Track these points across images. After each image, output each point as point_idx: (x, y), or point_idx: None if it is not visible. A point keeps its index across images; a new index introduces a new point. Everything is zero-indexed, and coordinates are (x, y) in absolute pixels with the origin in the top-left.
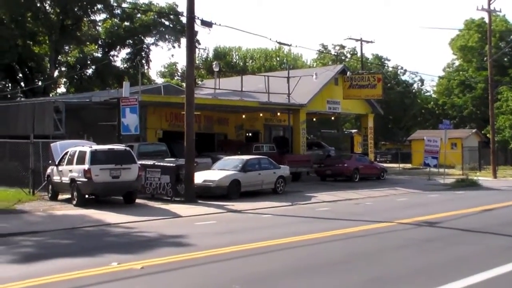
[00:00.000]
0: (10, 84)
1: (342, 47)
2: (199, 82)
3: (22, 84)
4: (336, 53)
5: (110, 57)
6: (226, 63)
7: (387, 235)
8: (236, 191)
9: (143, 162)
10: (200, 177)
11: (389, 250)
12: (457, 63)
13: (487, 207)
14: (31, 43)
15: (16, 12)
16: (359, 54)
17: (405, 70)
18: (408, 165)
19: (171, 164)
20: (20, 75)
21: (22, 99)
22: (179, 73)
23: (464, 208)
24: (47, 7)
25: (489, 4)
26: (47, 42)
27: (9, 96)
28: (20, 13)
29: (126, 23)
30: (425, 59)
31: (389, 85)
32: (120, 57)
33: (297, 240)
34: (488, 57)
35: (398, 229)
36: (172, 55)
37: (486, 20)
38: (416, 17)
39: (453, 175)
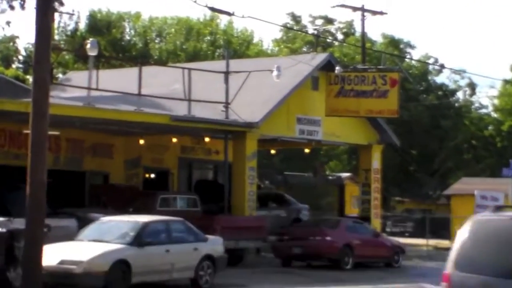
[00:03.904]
0: None
1: (328, 20)
2: (60, 76)
3: None
4: (316, 31)
5: None
6: (112, 43)
7: None
8: (122, 283)
9: None
10: (55, 254)
11: None
12: None
13: None
14: None
15: None
16: (358, 34)
17: (443, 67)
18: (445, 242)
19: None
20: None
21: None
22: (21, 57)
23: None
24: None
25: None
26: None
27: None
28: None
29: None
30: (479, 50)
31: (412, 92)
32: None
33: None
34: None
35: None
36: (8, 23)
37: None
38: None
39: None
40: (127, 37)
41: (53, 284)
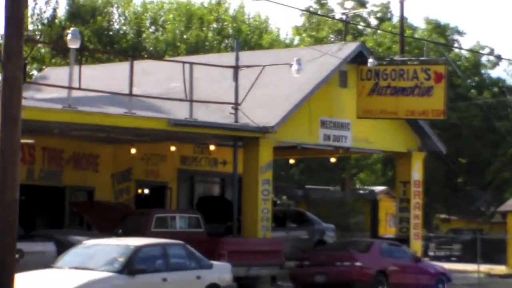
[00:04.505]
0: None
1: (360, 3)
2: (36, 73)
3: None
4: (345, 16)
5: None
6: (97, 33)
7: None
8: None
9: None
10: (28, 284)
11: None
12: None
13: None
14: None
15: None
16: (395, 20)
17: (499, 57)
18: (500, 268)
19: None
20: None
21: None
22: None
23: None
24: None
25: None
26: None
27: None
28: None
29: None
30: None
31: (461, 89)
32: None
33: None
34: None
35: None
36: None
37: None
38: None
39: None
40: (116, 26)
41: None
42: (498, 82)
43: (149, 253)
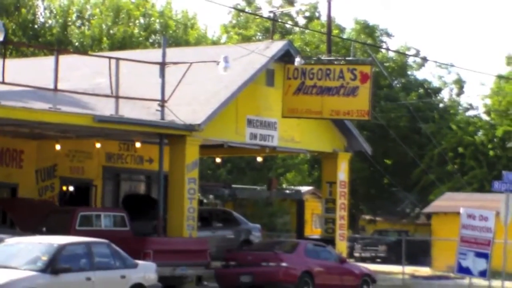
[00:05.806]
0: None
1: (289, 1)
2: None
3: None
4: (273, 14)
5: None
6: (22, 26)
7: None
8: None
9: None
10: None
11: None
12: None
13: None
14: None
15: None
16: (324, 20)
17: (425, 59)
18: (425, 269)
19: None
20: None
21: None
22: None
23: None
24: None
25: None
26: None
27: None
28: None
29: None
30: (468, 41)
31: (388, 90)
32: None
33: None
34: None
35: None
36: None
37: None
38: None
39: None
40: (41, 19)
41: None
42: (423, 84)
43: (73, 252)
